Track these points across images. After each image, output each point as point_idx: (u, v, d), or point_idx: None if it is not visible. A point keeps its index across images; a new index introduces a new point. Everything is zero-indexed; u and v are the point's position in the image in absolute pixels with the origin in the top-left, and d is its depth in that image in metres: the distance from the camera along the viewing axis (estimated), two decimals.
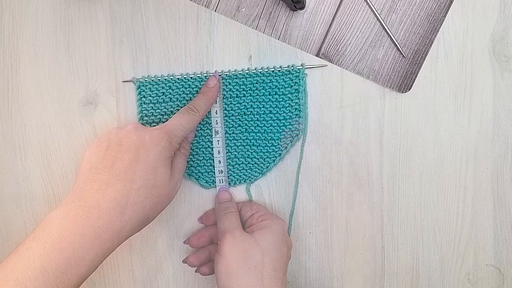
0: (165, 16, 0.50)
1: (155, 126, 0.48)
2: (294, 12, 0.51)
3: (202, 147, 0.50)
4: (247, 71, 0.49)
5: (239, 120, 0.50)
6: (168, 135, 0.43)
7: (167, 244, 0.51)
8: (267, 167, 0.50)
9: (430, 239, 0.51)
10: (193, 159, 0.50)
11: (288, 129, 0.50)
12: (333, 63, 0.50)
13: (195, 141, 0.50)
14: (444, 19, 0.49)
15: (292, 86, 0.49)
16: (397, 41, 0.51)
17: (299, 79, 0.49)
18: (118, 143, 0.43)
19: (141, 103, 0.49)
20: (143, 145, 0.42)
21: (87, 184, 0.41)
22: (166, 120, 0.47)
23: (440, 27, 0.49)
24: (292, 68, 0.49)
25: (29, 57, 0.50)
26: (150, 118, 0.49)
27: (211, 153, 0.50)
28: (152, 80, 0.49)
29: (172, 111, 0.49)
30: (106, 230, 0.38)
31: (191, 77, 0.49)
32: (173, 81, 0.49)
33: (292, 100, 0.49)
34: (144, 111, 0.49)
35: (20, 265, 0.37)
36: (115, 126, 0.50)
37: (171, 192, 0.44)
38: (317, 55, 0.51)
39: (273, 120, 0.50)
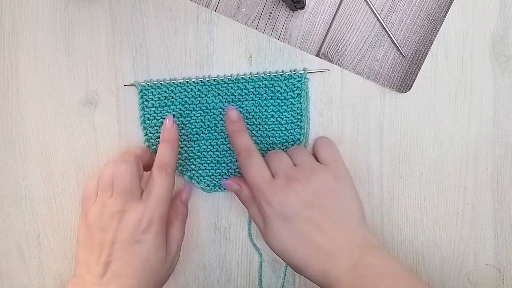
0: (165, 16, 0.50)
1: (156, 130, 0.49)
2: (294, 12, 0.51)
3: (203, 151, 0.50)
4: (249, 76, 0.49)
5: None
6: (156, 216, 0.42)
7: None
8: None
9: (430, 239, 0.51)
10: (194, 163, 0.50)
11: (290, 133, 0.50)
12: (333, 63, 0.50)
13: (197, 144, 0.50)
14: (444, 19, 0.49)
15: (294, 90, 0.49)
16: (397, 41, 0.51)
17: (301, 83, 0.49)
18: (108, 238, 0.41)
19: (143, 107, 0.49)
20: (134, 239, 0.41)
21: (87, 275, 0.41)
22: None
23: (440, 27, 0.49)
24: (294, 72, 0.49)
25: (29, 57, 0.50)
26: (152, 121, 0.49)
27: (212, 157, 0.50)
28: (154, 84, 0.49)
29: (173, 115, 0.49)
30: None
31: (193, 81, 0.49)
32: (175, 85, 0.49)
33: (294, 105, 0.49)
34: (146, 115, 0.49)
35: None
36: (115, 126, 0.50)
37: (169, 270, 0.44)
38: (317, 55, 0.51)
39: (275, 125, 0.50)
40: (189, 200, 0.49)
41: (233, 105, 0.49)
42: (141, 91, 0.49)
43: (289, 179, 0.42)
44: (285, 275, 0.51)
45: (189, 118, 0.50)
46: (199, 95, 0.49)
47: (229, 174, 0.50)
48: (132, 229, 0.41)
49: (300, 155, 0.45)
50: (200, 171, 0.50)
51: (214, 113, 0.50)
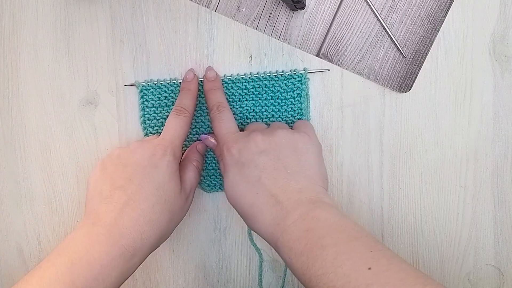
0: (165, 16, 0.50)
1: (155, 134, 0.49)
2: (294, 12, 0.51)
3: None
4: (250, 76, 0.49)
5: (242, 124, 0.50)
6: (170, 147, 0.43)
7: (167, 244, 0.51)
8: None
9: (430, 239, 0.51)
10: None
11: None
12: (333, 63, 0.50)
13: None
14: (444, 19, 0.49)
15: (294, 90, 0.49)
16: (397, 41, 0.51)
17: (302, 83, 0.49)
18: (123, 164, 0.43)
19: (143, 107, 0.49)
20: (149, 163, 0.42)
21: (101, 206, 0.41)
22: None
23: (440, 27, 0.49)
24: (295, 72, 0.49)
25: (29, 57, 0.50)
26: (153, 121, 0.49)
27: (213, 156, 0.50)
28: (155, 84, 0.49)
29: None
30: (128, 248, 0.39)
31: None
32: (175, 85, 0.49)
33: (294, 105, 0.49)
34: (146, 115, 0.49)
35: (47, 279, 0.37)
36: (115, 126, 0.50)
37: (183, 206, 0.44)
38: (317, 55, 0.51)
39: None
40: (204, 151, 0.49)
41: (233, 105, 0.49)
42: (141, 91, 0.49)
43: (253, 131, 0.44)
44: (285, 275, 0.51)
45: None
46: (200, 95, 0.49)
47: None
48: (146, 156, 0.42)
49: (277, 123, 0.47)
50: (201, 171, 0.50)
51: None
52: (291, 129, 0.46)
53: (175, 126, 0.45)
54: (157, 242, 0.42)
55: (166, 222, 0.42)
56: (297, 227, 0.37)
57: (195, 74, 0.48)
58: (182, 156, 0.47)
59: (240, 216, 0.43)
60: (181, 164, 0.46)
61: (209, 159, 0.50)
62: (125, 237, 0.39)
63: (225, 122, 0.45)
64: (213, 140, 0.48)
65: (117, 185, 0.41)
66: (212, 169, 0.50)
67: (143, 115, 0.50)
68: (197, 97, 0.48)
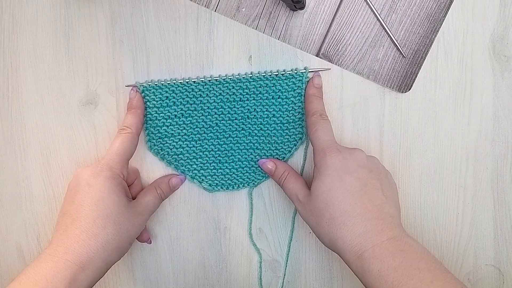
0: (165, 16, 0.50)
1: (157, 130, 0.50)
2: (294, 12, 0.51)
3: (205, 150, 0.50)
4: (251, 75, 0.49)
5: (243, 124, 0.50)
6: (106, 164, 0.45)
7: (167, 244, 0.51)
8: None
9: (430, 239, 0.51)
10: (196, 162, 0.50)
11: (292, 133, 0.50)
12: (333, 63, 0.50)
13: (198, 144, 0.50)
14: (444, 19, 0.49)
15: (295, 90, 0.49)
16: (397, 41, 0.51)
17: (302, 83, 0.49)
18: (69, 189, 0.46)
19: (145, 107, 0.49)
20: (86, 182, 0.44)
21: (54, 234, 0.44)
22: (170, 124, 0.49)
23: (440, 27, 0.49)
24: (296, 72, 0.49)
25: (29, 57, 0.50)
26: (154, 122, 0.49)
27: (214, 156, 0.50)
28: (156, 84, 0.49)
29: (175, 115, 0.49)
30: (75, 261, 0.41)
31: (194, 81, 0.49)
32: (176, 85, 0.49)
33: (295, 104, 0.49)
34: (148, 115, 0.49)
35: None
36: (115, 126, 0.50)
37: (133, 218, 0.45)
38: (317, 55, 0.51)
39: (277, 124, 0.50)
40: (175, 187, 0.50)
41: (234, 104, 0.49)
42: (142, 91, 0.49)
43: (355, 149, 0.46)
44: (284, 275, 0.51)
45: (190, 118, 0.50)
46: (201, 95, 0.49)
47: (231, 173, 0.50)
48: (86, 176, 0.45)
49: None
50: (202, 171, 0.50)
51: (215, 113, 0.50)
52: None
53: (114, 143, 0.47)
54: (109, 255, 0.43)
55: (112, 235, 0.43)
56: (391, 245, 0.40)
57: (137, 91, 0.49)
58: (126, 170, 0.48)
59: (322, 220, 0.43)
60: (146, 187, 0.49)
61: (210, 158, 0.50)
62: (69, 253, 0.41)
63: (328, 130, 0.46)
64: (270, 166, 0.49)
65: (64, 211, 0.45)
66: (213, 169, 0.50)
67: (145, 115, 0.49)
68: (143, 113, 0.49)
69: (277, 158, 0.50)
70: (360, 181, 0.43)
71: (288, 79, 0.49)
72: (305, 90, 0.49)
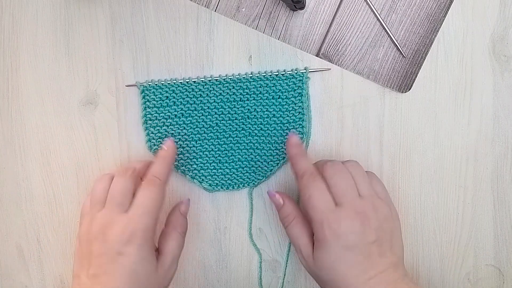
0: (165, 16, 0.50)
1: (156, 134, 0.49)
2: (294, 12, 0.51)
3: (205, 150, 0.50)
4: (251, 75, 0.49)
5: (243, 124, 0.50)
6: (140, 229, 0.41)
7: None
8: (270, 171, 0.50)
9: (430, 239, 0.51)
10: (196, 162, 0.50)
11: (292, 133, 0.50)
12: (333, 63, 0.50)
13: (199, 144, 0.50)
14: (444, 19, 0.49)
15: (295, 90, 0.49)
16: (397, 41, 0.51)
17: (302, 83, 0.49)
18: (95, 244, 0.42)
19: (145, 107, 0.49)
20: (117, 250, 0.41)
21: None
22: (170, 124, 0.49)
23: (440, 27, 0.49)
24: (296, 72, 0.49)
25: (29, 57, 0.50)
26: (154, 122, 0.49)
27: (214, 156, 0.50)
28: (156, 84, 0.49)
29: (175, 115, 0.49)
30: None
31: (194, 81, 0.49)
32: (176, 85, 0.49)
33: (295, 104, 0.49)
34: (148, 115, 0.49)
35: None
36: (115, 126, 0.50)
37: (162, 281, 0.44)
38: (317, 55, 0.51)
39: (277, 124, 0.50)
40: (187, 212, 0.49)
41: (234, 104, 0.49)
42: (142, 91, 0.49)
43: (357, 214, 0.42)
44: (284, 275, 0.51)
45: (190, 118, 0.50)
46: (201, 95, 0.49)
47: (231, 173, 0.50)
48: (115, 241, 0.41)
49: (363, 181, 0.44)
50: (202, 171, 0.50)
51: (216, 113, 0.50)
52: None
53: (144, 198, 0.43)
54: None
55: None
56: None
57: (174, 143, 0.48)
58: (155, 227, 0.44)
59: (326, 284, 0.43)
60: (164, 232, 0.46)
61: (210, 158, 0.50)
62: None
63: (321, 194, 0.43)
64: (281, 201, 0.46)
65: (91, 273, 0.41)
66: (214, 168, 0.50)
67: (145, 115, 0.50)
68: (173, 163, 0.48)
69: (277, 158, 0.50)
70: (362, 255, 0.41)
71: (288, 79, 0.49)
72: (304, 91, 0.49)
